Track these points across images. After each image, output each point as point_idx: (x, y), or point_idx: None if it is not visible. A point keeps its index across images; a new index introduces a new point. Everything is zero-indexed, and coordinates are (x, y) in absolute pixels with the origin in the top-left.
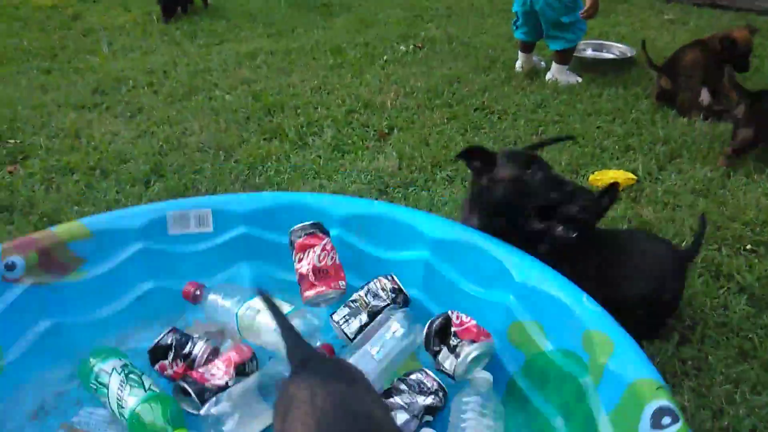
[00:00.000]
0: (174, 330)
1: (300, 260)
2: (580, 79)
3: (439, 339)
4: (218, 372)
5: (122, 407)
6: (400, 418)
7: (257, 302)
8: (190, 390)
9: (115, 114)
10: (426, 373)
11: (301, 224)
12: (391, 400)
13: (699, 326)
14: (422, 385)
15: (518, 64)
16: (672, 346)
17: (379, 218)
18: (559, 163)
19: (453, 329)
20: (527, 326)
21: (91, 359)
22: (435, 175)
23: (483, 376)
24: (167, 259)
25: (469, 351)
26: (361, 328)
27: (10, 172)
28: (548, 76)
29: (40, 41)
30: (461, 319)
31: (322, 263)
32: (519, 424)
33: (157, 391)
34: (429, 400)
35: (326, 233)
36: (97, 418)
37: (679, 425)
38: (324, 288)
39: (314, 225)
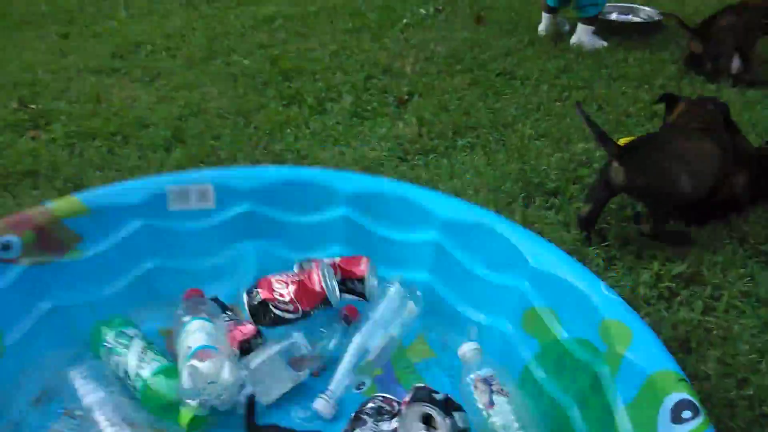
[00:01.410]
0: (215, 300)
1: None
2: (605, 44)
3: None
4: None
5: (141, 370)
6: None
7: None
8: None
9: (134, 79)
10: (382, 397)
11: None
12: None
13: (725, 295)
14: (382, 410)
15: (541, 26)
16: (697, 315)
17: (388, 196)
18: (583, 129)
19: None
20: (542, 313)
21: (110, 324)
22: (456, 142)
23: (469, 347)
24: (169, 236)
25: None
26: None
27: (33, 138)
28: (573, 39)
29: (57, 5)
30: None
31: None
32: (533, 414)
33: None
34: (394, 424)
35: None
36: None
37: (700, 420)
38: None
39: None
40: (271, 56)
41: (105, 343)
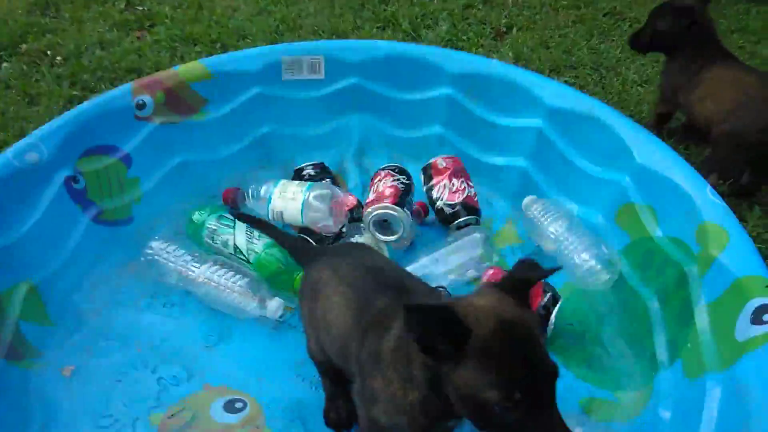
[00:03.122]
0: (319, 165)
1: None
2: None
3: None
4: (331, 222)
5: (252, 245)
6: None
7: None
8: (310, 241)
9: None
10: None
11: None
12: None
13: None
14: None
15: None
16: None
17: (495, 79)
18: None
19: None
20: (639, 209)
21: (205, 211)
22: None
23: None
24: (282, 104)
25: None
26: None
27: (138, 38)
28: None
29: None
30: None
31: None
32: (612, 303)
33: None
34: None
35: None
36: None
37: None
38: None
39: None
40: None
41: (209, 226)
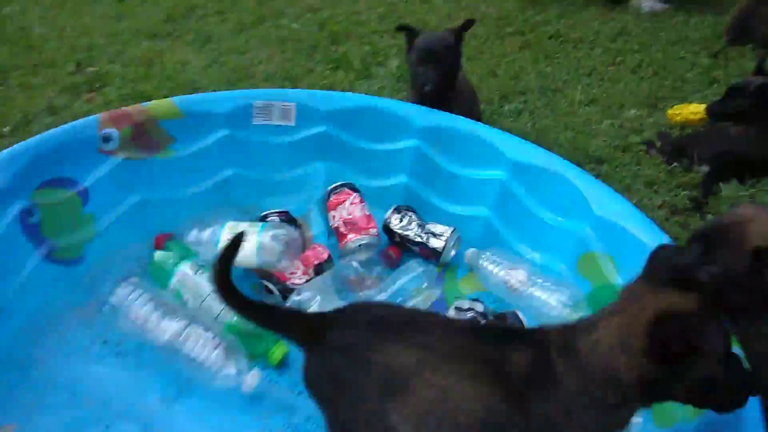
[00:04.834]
0: (284, 213)
1: (333, 217)
2: (666, 6)
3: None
4: (298, 272)
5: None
6: None
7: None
8: (273, 289)
9: (186, 43)
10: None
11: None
12: None
13: None
14: None
15: None
16: None
17: (461, 134)
18: (636, 95)
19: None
20: (599, 258)
21: (176, 250)
22: (502, 108)
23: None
24: (249, 148)
25: None
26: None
27: (88, 101)
28: (632, 1)
29: None
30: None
31: (351, 216)
32: None
33: None
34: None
35: (356, 190)
36: None
37: None
38: (354, 236)
39: (343, 184)
40: (319, 20)
41: (181, 270)
